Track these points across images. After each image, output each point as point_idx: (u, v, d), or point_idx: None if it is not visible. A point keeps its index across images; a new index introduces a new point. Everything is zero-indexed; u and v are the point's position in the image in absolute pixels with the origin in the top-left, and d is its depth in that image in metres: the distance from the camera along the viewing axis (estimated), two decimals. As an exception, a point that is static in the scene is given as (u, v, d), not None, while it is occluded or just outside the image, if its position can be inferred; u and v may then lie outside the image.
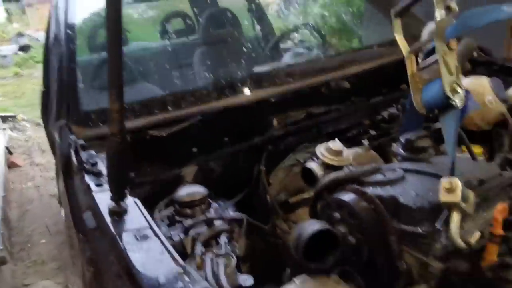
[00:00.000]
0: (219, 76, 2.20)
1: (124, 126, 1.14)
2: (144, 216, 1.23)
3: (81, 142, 1.66)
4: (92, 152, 1.59)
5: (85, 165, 1.52)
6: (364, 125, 2.09)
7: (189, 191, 1.50)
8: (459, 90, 1.20)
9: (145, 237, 1.13)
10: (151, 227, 1.17)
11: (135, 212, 1.26)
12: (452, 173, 1.17)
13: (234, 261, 1.23)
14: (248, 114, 1.94)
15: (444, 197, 1.13)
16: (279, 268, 1.38)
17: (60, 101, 2.01)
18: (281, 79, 2.05)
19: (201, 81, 2.34)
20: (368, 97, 2.20)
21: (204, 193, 1.50)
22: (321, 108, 2.12)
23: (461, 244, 1.12)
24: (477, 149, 2.00)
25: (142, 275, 1.00)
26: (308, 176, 1.64)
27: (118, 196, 1.24)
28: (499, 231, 1.21)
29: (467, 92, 1.24)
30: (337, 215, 1.38)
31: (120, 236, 1.14)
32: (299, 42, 3.29)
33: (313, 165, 1.64)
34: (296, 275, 1.26)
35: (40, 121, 3.69)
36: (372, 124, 2.09)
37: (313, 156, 1.71)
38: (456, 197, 1.10)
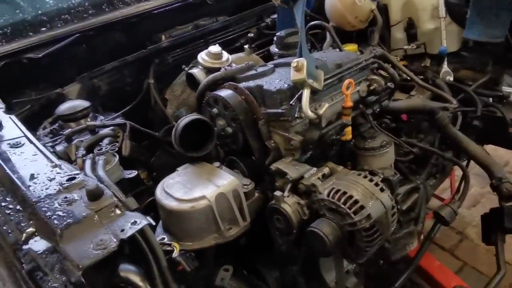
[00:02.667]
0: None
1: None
2: (19, 127, 1.25)
3: None
4: None
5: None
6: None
7: (70, 105, 1.53)
8: (303, -23, 1.31)
9: (19, 144, 1.17)
10: (25, 136, 1.20)
11: (10, 125, 1.27)
12: (300, 54, 1.30)
13: (116, 158, 1.31)
14: (132, 29, 1.93)
15: (293, 76, 1.28)
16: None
17: None
18: (163, -12, 2.03)
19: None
20: (253, 5, 2.26)
21: (86, 105, 1.53)
22: (208, 20, 2.15)
23: (311, 115, 1.29)
24: (352, 47, 2.19)
25: (15, 173, 1.05)
26: (192, 81, 1.73)
27: (-13, 111, 1.24)
28: (348, 103, 1.41)
29: (313, -20, 1.35)
30: (215, 110, 1.50)
31: (-6, 145, 1.17)
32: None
33: (195, 71, 1.72)
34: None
35: None
36: (258, 31, 2.18)
37: (197, 63, 1.79)
38: (302, 74, 1.25)
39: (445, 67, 2.17)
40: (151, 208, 1.36)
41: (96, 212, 0.91)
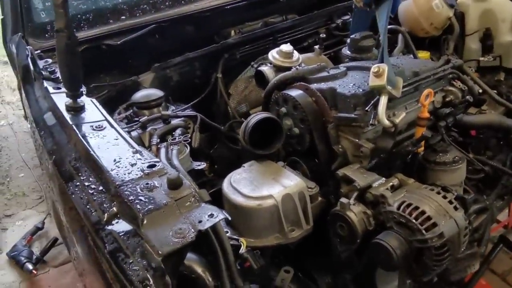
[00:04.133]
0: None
1: (70, 21, 1.18)
2: (100, 111, 1.31)
3: (38, 52, 1.69)
4: (49, 59, 1.63)
5: (43, 72, 1.56)
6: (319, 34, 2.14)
7: (145, 93, 1.58)
8: (391, -19, 1.27)
9: (101, 127, 1.22)
10: (106, 120, 1.26)
11: (92, 108, 1.34)
12: (381, 60, 1.27)
13: (187, 149, 1.35)
14: (204, 22, 1.97)
15: (372, 82, 1.25)
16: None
17: (15, 15, 1.99)
18: (236, -13, 2.06)
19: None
20: (323, 5, 2.23)
21: (160, 94, 1.58)
22: (277, 18, 2.15)
23: (387, 123, 1.26)
24: (425, 54, 2.12)
25: (98, 156, 1.10)
26: (261, 79, 1.74)
27: (73, 93, 1.30)
28: (425, 114, 1.36)
29: (399, -15, 1.31)
30: (283, 109, 1.50)
31: (78, 127, 1.23)
32: None
33: (264, 68, 1.72)
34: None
35: (7, 59, 3.59)
36: (327, 32, 2.15)
37: (266, 61, 1.79)
38: (382, 80, 1.22)
39: (522, 83, 2.05)
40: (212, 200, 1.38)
41: (175, 200, 0.94)
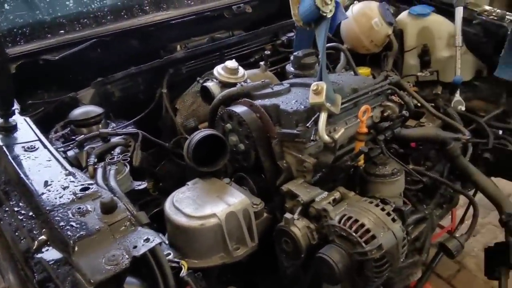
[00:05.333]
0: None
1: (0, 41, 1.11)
2: (33, 131, 1.24)
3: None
4: None
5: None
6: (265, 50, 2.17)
7: (83, 110, 1.52)
8: (328, 1, 1.31)
9: (33, 148, 1.16)
10: (39, 140, 1.20)
11: (24, 128, 1.27)
12: (320, 78, 1.30)
13: (127, 169, 1.30)
14: (149, 37, 1.94)
15: (312, 99, 1.28)
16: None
17: None
18: (181, 1, 2.04)
19: (96, 3, 2.25)
20: (269, 22, 2.27)
21: (99, 111, 1.52)
22: (224, 33, 2.16)
23: (327, 139, 1.29)
24: (365, 70, 2.20)
25: (28, 179, 1.04)
26: (207, 95, 1.73)
27: (3, 112, 1.23)
28: (363, 129, 1.41)
29: (337, 3, 1.36)
30: (228, 125, 1.50)
31: (8, 148, 1.16)
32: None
33: (210, 84, 1.72)
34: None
35: None
36: (273, 48, 2.19)
37: (212, 76, 1.79)
38: (321, 98, 1.25)
39: (457, 96, 2.17)
40: (156, 219, 1.35)
41: (109, 225, 0.90)
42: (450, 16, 2.19)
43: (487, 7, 2.19)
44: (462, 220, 2.06)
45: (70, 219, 0.91)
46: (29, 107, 1.61)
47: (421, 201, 1.76)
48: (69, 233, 0.87)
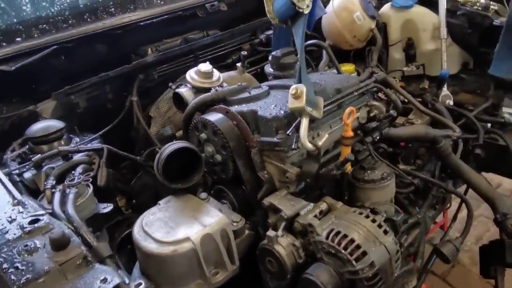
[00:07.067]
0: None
1: None
2: (-19, 154, 1.11)
3: None
4: None
5: None
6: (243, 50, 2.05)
7: (43, 125, 1.38)
8: (305, -4, 1.20)
9: (-21, 175, 1.03)
10: (-13, 165, 1.06)
11: (-29, 151, 1.13)
12: (299, 80, 1.19)
13: (90, 190, 1.17)
14: (117, 41, 1.80)
15: (291, 104, 1.16)
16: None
17: None
18: (150, 1, 1.91)
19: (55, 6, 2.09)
20: (247, 20, 2.15)
21: (60, 126, 1.38)
22: (198, 34, 2.03)
23: (310, 146, 1.18)
24: (349, 67, 2.10)
25: (-30, 212, 0.91)
26: (180, 101, 1.60)
27: None
28: (349, 133, 1.30)
29: (315, -1, 1.25)
30: (203, 135, 1.37)
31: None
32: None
33: (182, 90, 1.59)
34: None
35: None
36: (251, 47, 2.07)
37: (185, 81, 1.66)
38: (301, 102, 1.14)
39: (444, 90, 2.09)
40: (129, 240, 1.22)
41: (60, 265, 0.78)
42: (434, 8, 2.11)
43: (471, -3, 2.11)
44: (455, 217, 1.99)
45: (15, 260, 0.78)
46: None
47: (413, 203, 1.67)
48: (12, 277, 0.75)
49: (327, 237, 1.09)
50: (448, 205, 1.94)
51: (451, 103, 2.06)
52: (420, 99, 2.01)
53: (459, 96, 2.15)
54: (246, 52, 1.83)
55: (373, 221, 1.14)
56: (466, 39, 2.07)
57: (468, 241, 3.06)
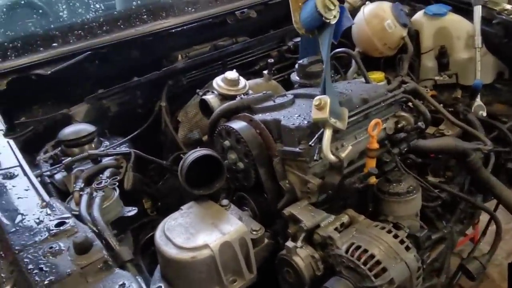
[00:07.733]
0: (110, 7, 2.05)
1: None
2: (15, 155, 1.16)
3: None
4: None
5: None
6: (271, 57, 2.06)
7: (75, 129, 1.44)
8: (331, 6, 1.19)
9: (12, 175, 1.08)
10: (20, 166, 1.12)
11: (6, 152, 1.19)
12: (323, 91, 1.18)
13: (116, 193, 1.21)
14: (148, 47, 1.84)
15: (315, 115, 1.16)
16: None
17: None
18: (181, 8, 1.95)
19: (90, 13, 2.16)
20: (275, 27, 2.16)
21: (91, 130, 1.44)
22: (227, 41, 2.05)
23: (332, 158, 1.17)
24: (379, 75, 2.06)
25: (3, 212, 0.96)
26: (206, 108, 1.63)
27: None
28: (374, 145, 1.28)
29: (342, 8, 1.24)
30: (227, 142, 1.39)
31: (-12, 176, 1.08)
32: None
33: (209, 97, 1.61)
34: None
35: None
36: (279, 54, 2.07)
37: (212, 88, 1.69)
38: (325, 113, 1.13)
39: (478, 100, 2.02)
40: (152, 242, 1.25)
41: (82, 268, 0.81)
42: (468, 16, 2.04)
43: (507, 6, 2.03)
44: (484, 232, 1.91)
45: (40, 261, 0.82)
46: (17, 127, 1.54)
47: (440, 217, 1.63)
48: (36, 278, 0.79)
49: (346, 251, 1.08)
50: (477, 221, 1.87)
51: (484, 114, 1.99)
52: (452, 109, 1.96)
53: (493, 106, 2.07)
54: (272, 60, 1.83)
55: (395, 236, 1.12)
56: (502, 48, 1.99)
57: (499, 255, 2.94)
